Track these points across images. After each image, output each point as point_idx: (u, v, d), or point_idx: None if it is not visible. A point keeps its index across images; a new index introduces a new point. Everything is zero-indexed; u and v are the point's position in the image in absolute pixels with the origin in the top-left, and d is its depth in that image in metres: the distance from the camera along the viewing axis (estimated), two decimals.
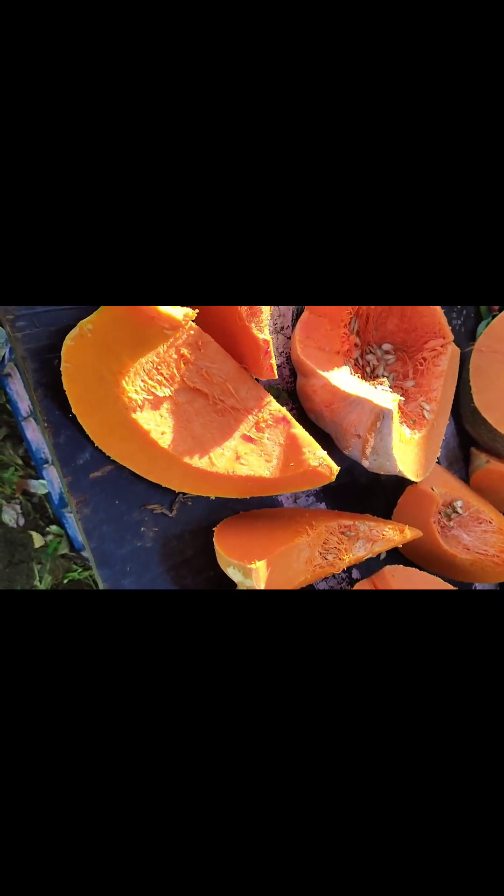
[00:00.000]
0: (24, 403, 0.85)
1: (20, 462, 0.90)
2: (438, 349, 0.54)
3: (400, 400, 0.49)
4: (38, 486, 0.89)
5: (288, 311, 0.56)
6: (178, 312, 0.36)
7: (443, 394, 0.54)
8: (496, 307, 0.74)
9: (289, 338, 0.55)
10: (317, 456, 0.42)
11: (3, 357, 0.82)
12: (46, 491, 0.89)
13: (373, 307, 0.52)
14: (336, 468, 0.43)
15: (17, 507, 0.89)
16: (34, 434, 0.87)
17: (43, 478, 0.89)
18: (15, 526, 0.88)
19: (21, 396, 0.85)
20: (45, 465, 0.88)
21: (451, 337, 0.55)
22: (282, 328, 0.56)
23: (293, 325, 0.56)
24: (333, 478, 0.43)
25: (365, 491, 0.61)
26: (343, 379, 0.45)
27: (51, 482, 0.89)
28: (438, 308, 0.54)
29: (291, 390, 0.56)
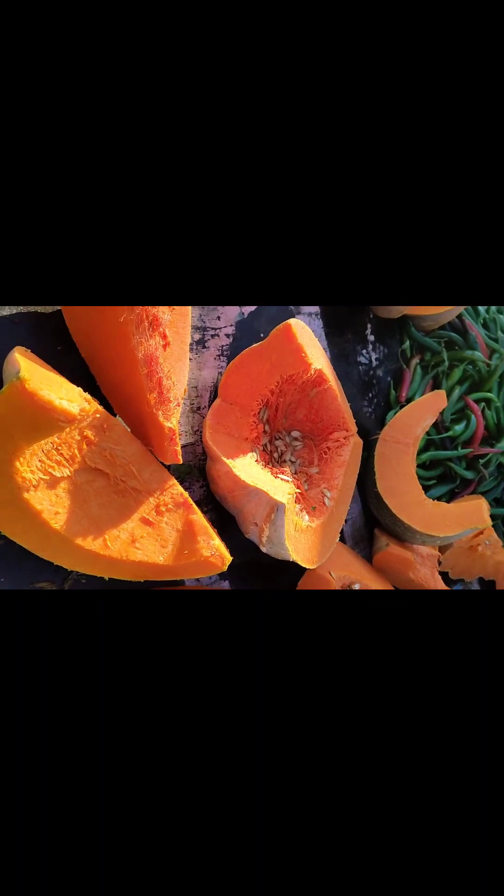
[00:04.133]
0: None
1: None
2: (342, 440, 0.58)
3: (297, 492, 0.52)
4: None
5: (206, 391, 0.59)
6: (75, 407, 0.37)
7: (344, 482, 0.58)
8: (403, 398, 0.82)
9: (204, 417, 0.57)
10: (210, 546, 0.43)
11: None
12: None
13: (282, 398, 0.56)
14: (228, 558, 0.44)
15: None
16: None
17: None
18: None
19: None
20: None
21: (355, 429, 0.60)
22: (198, 408, 0.58)
23: (209, 406, 0.58)
24: (224, 568, 0.44)
25: (270, 569, 0.62)
26: (245, 468, 0.48)
27: None
28: (343, 403, 0.59)
29: (203, 467, 0.57)
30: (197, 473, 0.57)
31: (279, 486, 0.47)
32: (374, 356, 0.81)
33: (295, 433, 0.59)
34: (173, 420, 0.45)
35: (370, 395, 0.80)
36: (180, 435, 0.55)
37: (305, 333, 0.53)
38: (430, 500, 0.69)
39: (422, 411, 0.72)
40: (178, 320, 0.48)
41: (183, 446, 0.55)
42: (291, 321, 0.51)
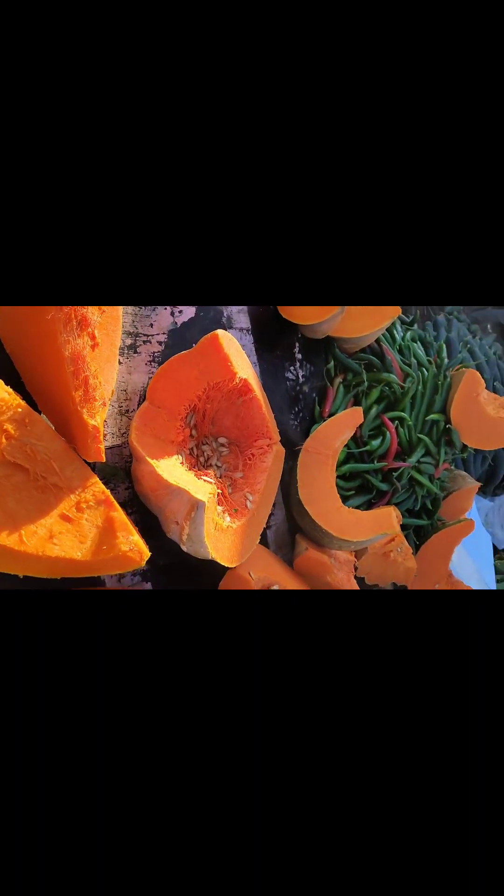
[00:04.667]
0: None
1: None
2: (265, 447, 0.61)
3: (218, 493, 0.54)
4: None
5: (135, 395, 0.60)
6: None
7: (266, 486, 0.61)
8: (326, 413, 0.87)
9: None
10: (129, 541, 0.44)
11: None
12: None
13: (209, 405, 0.58)
14: (147, 553, 0.45)
15: None
16: None
17: None
18: None
19: None
20: None
21: (277, 438, 0.64)
22: (127, 411, 0.59)
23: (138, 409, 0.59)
24: (143, 563, 0.45)
25: (192, 570, 0.64)
26: (168, 468, 0.49)
27: None
28: (267, 412, 0.63)
29: (129, 469, 0.58)
30: (122, 475, 0.57)
31: (201, 486, 0.49)
32: (300, 373, 0.87)
33: (222, 439, 0.62)
34: (97, 418, 0.46)
35: (296, 409, 0.85)
36: (106, 436, 0.55)
37: (232, 345, 0.56)
38: (347, 507, 0.74)
39: (341, 425, 0.77)
40: (108, 322, 0.49)
41: (109, 448, 0.56)
42: (219, 332, 0.54)
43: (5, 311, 0.44)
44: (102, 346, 0.49)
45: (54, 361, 0.45)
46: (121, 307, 0.52)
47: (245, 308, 0.77)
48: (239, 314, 0.76)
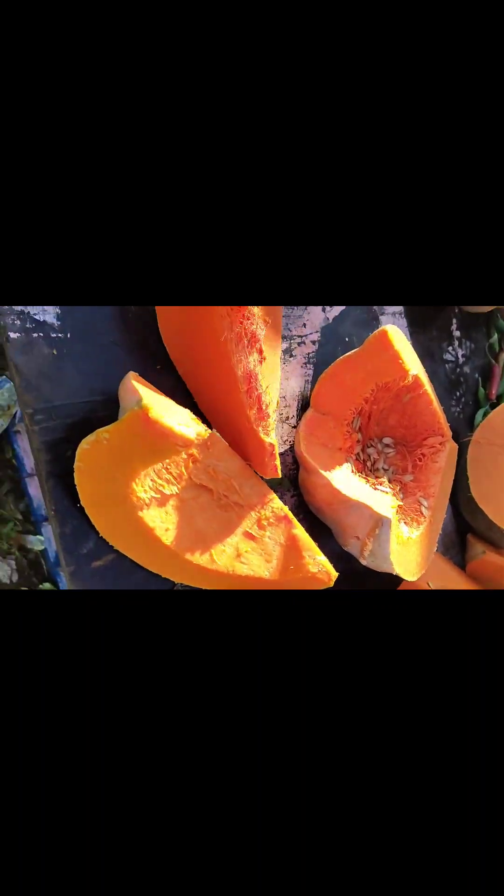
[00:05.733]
0: (29, 460, 0.86)
1: (20, 517, 0.90)
2: (437, 446, 0.56)
3: (399, 504, 0.50)
4: (35, 542, 0.89)
5: (294, 401, 0.58)
6: (192, 432, 0.38)
7: (441, 489, 0.56)
8: (493, 396, 0.77)
9: (294, 427, 0.57)
10: (317, 562, 0.43)
11: (15, 415, 0.84)
12: (43, 547, 0.89)
13: (375, 405, 0.54)
14: (335, 574, 0.44)
15: (12, 562, 0.89)
16: (37, 491, 0.88)
17: (41, 534, 0.89)
18: (8, 582, 0.87)
19: (27, 454, 0.87)
20: (44, 522, 0.88)
21: (450, 434, 0.57)
22: (287, 418, 0.58)
23: (298, 415, 0.58)
24: (332, 584, 0.43)
25: (363, 578, 0.61)
26: (344, 480, 0.47)
27: (49, 539, 0.89)
28: (438, 407, 0.57)
29: (293, 477, 0.57)
30: (288, 484, 0.57)
31: (381, 500, 0.46)
32: (460, 353, 0.77)
33: (387, 440, 0.58)
34: (272, 435, 0.45)
35: (457, 394, 0.76)
36: None
37: (401, 339, 0.51)
38: None
39: None
40: (271, 334, 0.48)
41: None
42: (388, 328, 0.49)
43: (178, 336, 0.46)
44: (269, 359, 0.48)
45: (227, 381, 0.45)
46: (280, 313, 0.50)
47: None
48: None
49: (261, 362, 0.46)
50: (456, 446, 0.58)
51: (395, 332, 0.50)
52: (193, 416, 0.42)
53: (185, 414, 0.41)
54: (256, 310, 0.45)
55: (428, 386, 0.56)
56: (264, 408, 0.45)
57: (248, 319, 0.43)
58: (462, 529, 0.73)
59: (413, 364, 0.52)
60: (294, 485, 0.57)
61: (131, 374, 0.41)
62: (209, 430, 0.43)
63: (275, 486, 0.56)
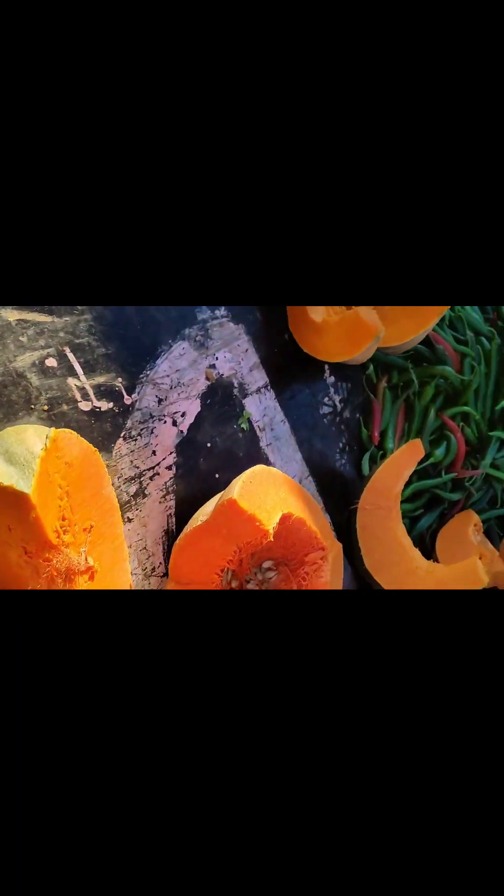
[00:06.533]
0: None
1: None
2: (319, 561, 0.53)
3: None
4: None
5: (157, 546, 0.52)
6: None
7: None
8: (376, 437, 0.74)
9: (163, 577, 0.51)
10: None
11: None
12: None
13: (244, 556, 0.49)
14: None
15: None
16: None
17: None
18: None
19: None
20: None
21: (332, 540, 0.54)
22: (153, 570, 0.51)
23: (165, 557, 0.51)
24: None
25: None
26: None
27: None
28: (315, 515, 0.52)
29: None
30: None
31: None
32: (337, 399, 0.73)
33: (267, 563, 0.53)
34: None
35: (341, 444, 0.73)
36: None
37: (258, 491, 0.45)
38: (424, 563, 0.65)
39: (399, 468, 0.65)
40: (98, 540, 0.40)
41: None
42: (235, 495, 0.42)
43: None
44: (107, 545, 0.41)
45: None
46: (111, 490, 0.42)
47: (256, 360, 0.62)
48: (251, 373, 0.62)
49: (92, 578, 0.38)
50: (340, 546, 0.55)
51: (246, 491, 0.44)
52: None
53: None
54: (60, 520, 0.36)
55: (299, 505, 0.51)
56: None
57: (54, 558, 0.35)
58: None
59: (275, 509, 0.46)
60: None
61: None
62: None
63: None
